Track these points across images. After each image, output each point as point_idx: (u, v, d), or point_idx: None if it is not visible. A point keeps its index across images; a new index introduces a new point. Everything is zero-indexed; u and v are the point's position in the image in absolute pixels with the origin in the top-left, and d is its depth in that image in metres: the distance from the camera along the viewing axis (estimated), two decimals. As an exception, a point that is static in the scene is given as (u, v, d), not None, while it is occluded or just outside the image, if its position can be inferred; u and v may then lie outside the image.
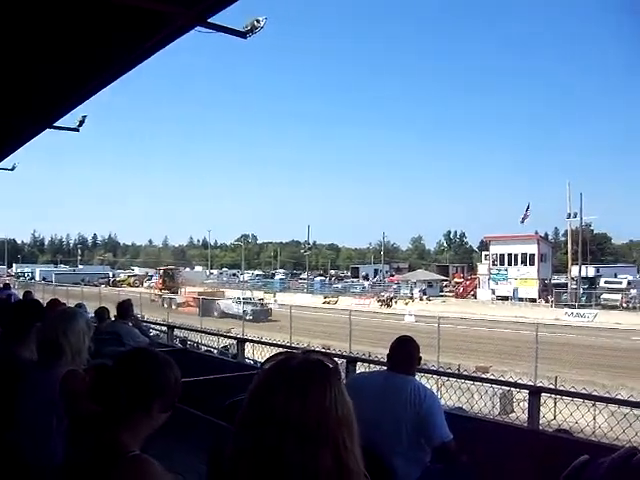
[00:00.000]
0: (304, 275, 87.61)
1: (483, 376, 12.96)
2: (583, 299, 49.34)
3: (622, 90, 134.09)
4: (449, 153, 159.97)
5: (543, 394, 5.70)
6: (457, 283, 66.38)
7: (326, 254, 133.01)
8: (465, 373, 12.65)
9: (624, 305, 47.02)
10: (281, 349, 7.90)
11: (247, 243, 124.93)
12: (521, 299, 52.87)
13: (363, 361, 8.00)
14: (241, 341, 10.88)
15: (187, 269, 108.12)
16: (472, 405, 11.25)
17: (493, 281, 56.71)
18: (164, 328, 15.66)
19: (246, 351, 10.91)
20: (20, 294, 14.99)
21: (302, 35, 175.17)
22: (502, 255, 56.52)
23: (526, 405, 5.73)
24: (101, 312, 9.08)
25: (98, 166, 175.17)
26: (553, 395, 9.46)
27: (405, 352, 4.23)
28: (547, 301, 51.11)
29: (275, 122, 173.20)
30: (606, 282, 55.27)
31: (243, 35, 6.04)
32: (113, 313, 8.70)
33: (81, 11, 5.14)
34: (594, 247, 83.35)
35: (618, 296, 48.67)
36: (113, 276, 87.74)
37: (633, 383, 18.48)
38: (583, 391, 7.72)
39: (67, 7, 5.09)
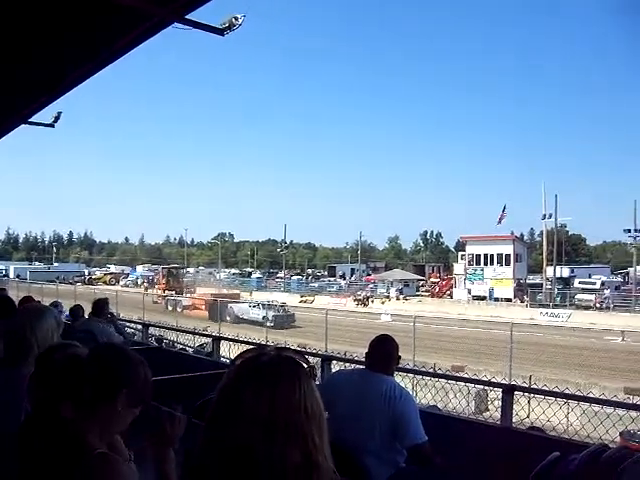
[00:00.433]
0: (281, 274, 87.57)
1: (458, 375, 13.03)
2: (558, 299, 49.98)
3: (598, 92, 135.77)
4: (426, 153, 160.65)
5: (516, 392, 5.72)
6: (433, 283, 66.66)
7: (303, 253, 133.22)
8: (440, 372, 12.73)
9: (597, 305, 47.53)
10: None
11: (224, 242, 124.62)
12: (496, 299, 53.24)
13: (338, 360, 7.99)
14: (216, 339, 10.83)
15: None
16: (447, 403, 11.30)
17: (469, 281, 57.06)
18: (140, 326, 15.58)
19: (223, 350, 10.86)
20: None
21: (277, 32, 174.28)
22: (478, 255, 56.89)
23: (500, 403, 5.75)
24: (76, 310, 9.00)
25: (75, 164, 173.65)
26: (527, 394, 9.51)
27: (384, 351, 4.23)
28: (522, 301, 51.54)
29: (252, 121, 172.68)
30: (580, 282, 56.11)
31: (221, 32, 6.00)
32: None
33: (56, 7, 5.06)
34: (569, 248, 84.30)
35: (592, 296, 49.26)
36: (89, 274, 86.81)
37: (605, 382, 18.71)
38: (556, 389, 7.80)
39: (41, 3, 5.02)
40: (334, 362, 7.52)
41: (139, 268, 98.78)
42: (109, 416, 1.93)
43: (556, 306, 46.94)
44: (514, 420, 5.75)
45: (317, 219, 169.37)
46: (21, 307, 4.10)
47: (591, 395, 9.78)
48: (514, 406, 5.49)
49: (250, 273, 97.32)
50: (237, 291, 56.03)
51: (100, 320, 8.02)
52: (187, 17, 5.29)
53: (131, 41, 5.77)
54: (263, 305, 38.61)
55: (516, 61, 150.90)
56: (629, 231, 52.90)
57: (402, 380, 7.37)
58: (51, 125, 9.86)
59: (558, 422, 10.48)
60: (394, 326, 28.52)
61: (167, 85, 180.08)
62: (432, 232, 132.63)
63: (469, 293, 56.20)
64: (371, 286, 63.92)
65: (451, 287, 60.62)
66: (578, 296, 50.19)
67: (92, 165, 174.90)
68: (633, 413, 8.96)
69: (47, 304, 6.91)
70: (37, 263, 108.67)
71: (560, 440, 5.21)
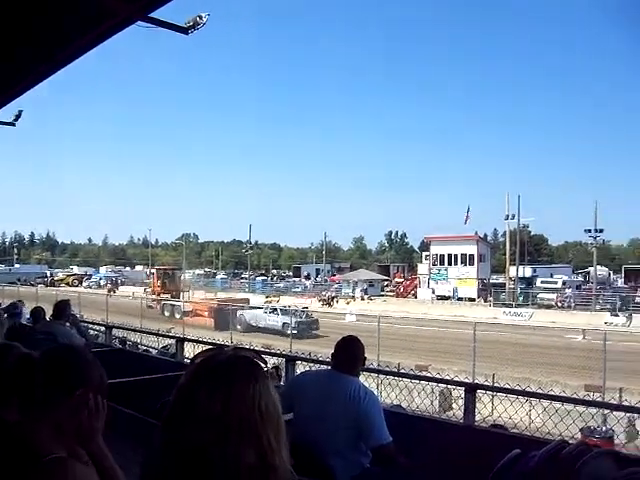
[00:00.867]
0: (246, 275, 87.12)
1: (421, 374, 13.11)
2: (520, 299, 50.49)
3: (561, 91, 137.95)
4: (392, 154, 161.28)
5: (480, 391, 5.78)
6: (398, 283, 66.81)
7: (268, 253, 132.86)
8: (404, 371, 12.79)
9: (559, 304, 48.23)
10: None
11: (188, 242, 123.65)
12: (460, 298, 53.66)
13: (302, 360, 8.00)
14: (180, 340, 10.80)
15: (127, 268, 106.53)
16: (410, 402, 11.36)
17: (433, 281, 57.38)
18: (103, 328, 15.43)
19: (187, 351, 10.81)
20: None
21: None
22: (442, 255, 57.30)
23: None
24: (37, 312, 8.84)
25: (36, 164, 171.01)
26: (490, 392, 9.63)
27: (349, 352, 4.25)
28: (486, 300, 52.06)
29: (216, 121, 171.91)
30: (542, 282, 56.82)
31: (185, 31, 5.98)
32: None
33: (18, 1, 4.97)
34: (531, 248, 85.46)
35: (554, 295, 50.05)
36: (51, 275, 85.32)
37: (566, 380, 18.98)
38: (518, 387, 7.91)
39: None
40: (298, 362, 7.53)
41: (102, 269, 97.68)
42: (63, 418, 1.85)
43: (519, 305, 47.43)
44: (477, 418, 5.81)
45: (282, 219, 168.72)
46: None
47: (551, 392, 9.89)
48: (478, 404, 5.55)
49: (215, 274, 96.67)
50: (246, 296, 50.79)
51: (61, 322, 7.91)
52: (151, 15, 5.25)
53: (95, 38, 5.69)
54: (282, 310, 34.72)
55: (480, 64, 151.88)
56: (589, 231, 53.63)
57: (366, 380, 7.39)
58: (12, 124, 9.72)
59: (519, 419, 10.61)
60: (359, 326, 28.47)
61: (128, 85, 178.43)
62: (397, 232, 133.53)
63: (433, 293, 56.46)
64: (336, 286, 63.83)
65: (415, 287, 60.88)
66: (540, 295, 50.84)
67: (54, 165, 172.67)
68: (592, 409, 9.13)
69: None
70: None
71: (522, 437, 5.27)
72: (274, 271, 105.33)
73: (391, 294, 62.68)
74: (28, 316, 9.84)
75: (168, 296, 47.72)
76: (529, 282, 55.37)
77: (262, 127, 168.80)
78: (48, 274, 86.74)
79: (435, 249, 58.62)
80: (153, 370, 7.10)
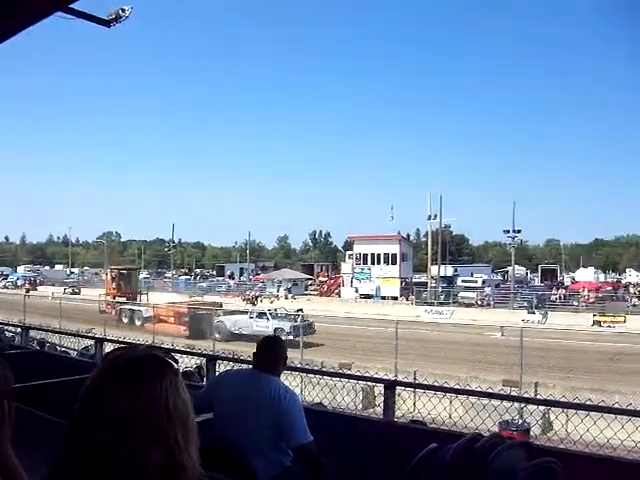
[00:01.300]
0: (169, 274, 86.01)
1: (343, 372, 13.22)
2: (442, 297, 51.47)
3: (482, 90, 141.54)
4: (314, 153, 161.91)
5: (400, 387, 5.86)
6: (321, 282, 67.32)
7: (191, 252, 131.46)
8: (325, 369, 12.88)
9: (479, 303, 49.52)
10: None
11: (110, 241, 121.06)
12: (383, 297, 54.36)
13: (223, 359, 7.93)
14: (99, 341, 10.55)
15: (46, 268, 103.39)
16: (330, 400, 11.43)
17: (356, 280, 58.01)
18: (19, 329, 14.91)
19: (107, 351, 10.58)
20: None
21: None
22: (365, 254, 58.02)
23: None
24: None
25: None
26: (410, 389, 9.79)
27: (270, 352, 4.26)
28: (408, 299, 53.08)
29: (140, 120, 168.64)
30: (463, 281, 58.39)
31: (107, 23, 5.85)
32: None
33: None
34: (453, 248, 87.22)
35: (474, 294, 51.40)
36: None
37: (485, 375, 19.49)
38: (436, 383, 8.07)
39: None
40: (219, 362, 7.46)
41: (20, 268, 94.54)
42: None
43: (440, 304, 48.33)
44: (398, 414, 5.88)
45: (206, 218, 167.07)
46: None
47: (468, 388, 10.14)
48: (400, 401, 5.63)
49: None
50: (219, 301, 43.32)
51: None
52: (71, 6, 5.10)
53: (12, 27, 5.45)
54: (272, 314, 31.04)
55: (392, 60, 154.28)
56: (508, 232, 55.33)
57: (286, 379, 7.38)
58: None
59: (438, 414, 10.83)
60: (283, 325, 28.56)
61: (46, 76, 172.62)
62: (321, 232, 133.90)
63: (356, 292, 57.06)
64: (260, 285, 63.87)
65: (339, 286, 61.40)
66: (461, 294, 52.00)
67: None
68: (507, 403, 9.41)
69: None
70: None
71: (439, 432, 5.38)
72: (197, 270, 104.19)
73: (315, 293, 62.96)
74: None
75: (124, 299, 42.97)
76: (450, 281, 56.62)
77: (187, 126, 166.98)
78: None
79: (358, 248, 59.33)
80: (72, 372, 6.89)
